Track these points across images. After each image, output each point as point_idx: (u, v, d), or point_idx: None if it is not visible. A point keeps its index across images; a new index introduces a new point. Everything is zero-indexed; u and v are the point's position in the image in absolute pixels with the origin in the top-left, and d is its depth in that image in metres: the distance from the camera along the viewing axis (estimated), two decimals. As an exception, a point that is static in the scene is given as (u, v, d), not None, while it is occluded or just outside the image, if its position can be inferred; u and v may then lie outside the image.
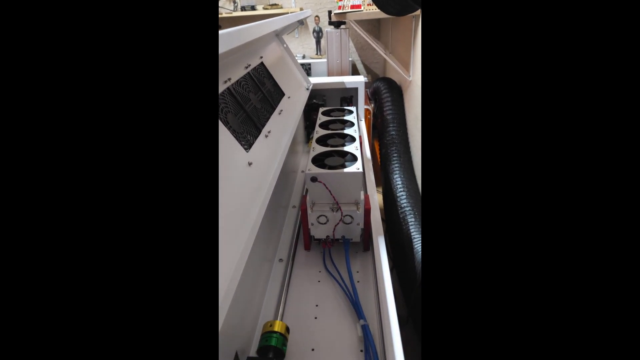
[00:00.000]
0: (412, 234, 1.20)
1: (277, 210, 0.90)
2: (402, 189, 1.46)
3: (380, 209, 1.55)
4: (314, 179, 0.74)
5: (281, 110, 0.97)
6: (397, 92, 1.87)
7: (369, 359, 0.58)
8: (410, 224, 1.25)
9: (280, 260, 0.83)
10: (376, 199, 0.96)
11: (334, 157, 0.82)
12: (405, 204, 1.37)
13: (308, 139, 1.43)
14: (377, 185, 1.97)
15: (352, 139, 0.91)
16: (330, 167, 0.77)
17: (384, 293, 0.65)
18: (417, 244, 1.15)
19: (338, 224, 0.76)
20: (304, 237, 0.84)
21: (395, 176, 1.56)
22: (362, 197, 0.78)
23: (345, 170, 0.74)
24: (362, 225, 0.80)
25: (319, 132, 0.96)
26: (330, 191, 0.73)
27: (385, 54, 1.94)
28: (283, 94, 1.09)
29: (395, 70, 1.84)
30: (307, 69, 2.53)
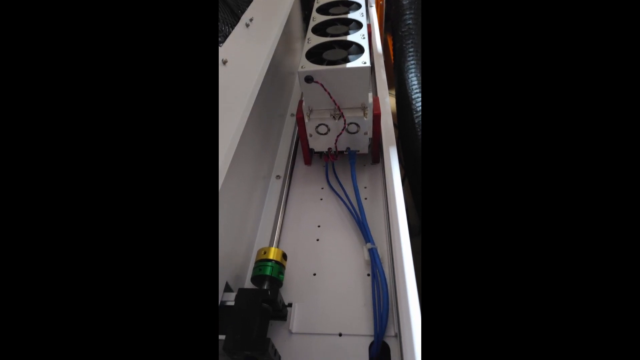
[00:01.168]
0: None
1: (270, 121, 0.77)
2: (418, 90, 1.28)
3: (393, 114, 1.38)
4: (308, 79, 0.59)
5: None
6: (415, -32, 1.52)
7: (376, 285, 0.52)
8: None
9: (278, 177, 0.73)
10: (388, 102, 0.81)
11: (334, 49, 0.64)
12: (421, 107, 1.20)
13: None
14: (390, 87, 1.76)
15: (358, 25, 0.71)
16: (330, 63, 0.60)
17: (394, 213, 0.56)
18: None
19: (341, 134, 0.63)
20: (302, 150, 0.72)
21: (410, 75, 1.36)
22: (370, 99, 0.63)
23: (349, 65, 0.58)
24: (370, 134, 0.67)
25: (316, 18, 0.76)
26: (329, 94, 0.59)
27: None
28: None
29: (414, -63, 1.46)
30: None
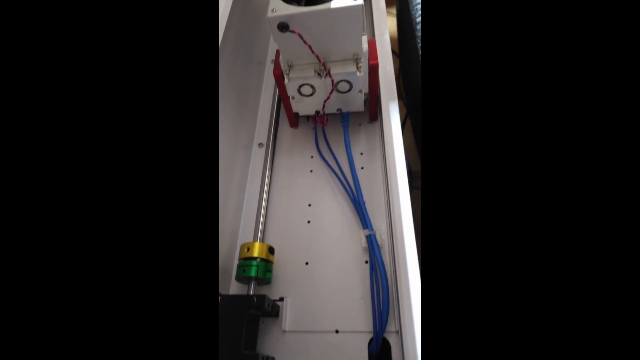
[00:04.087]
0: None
1: (246, 72, 0.64)
2: (421, 12, 1.08)
3: (393, 39, 1.16)
4: (283, 27, 0.45)
5: None
6: None
7: (375, 277, 0.46)
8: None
9: (260, 145, 0.63)
10: (387, 40, 0.66)
11: (315, -21, 0.48)
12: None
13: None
14: (389, 4, 1.51)
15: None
16: (310, 2, 0.46)
17: (395, 191, 0.47)
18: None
19: (329, 97, 0.51)
20: (286, 112, 0.61)
21: (414, -8, 1.14)
22: (365, 46, 0.50)
23: (335, 5, 0.43)
24: (366, 90, 0.55)
25: None
26: (310, 47, 0.45)
27: None
28: None
29: None
30: None
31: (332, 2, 0.44)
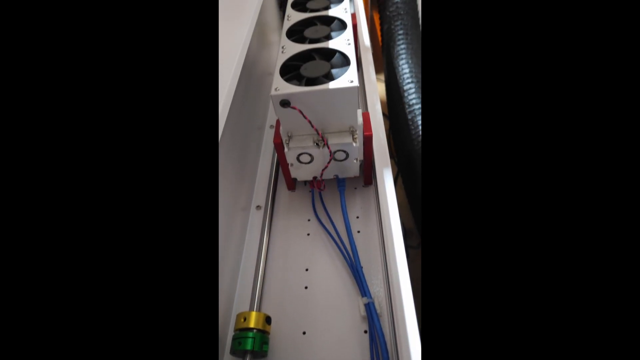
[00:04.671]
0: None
1: (248, 135, 0.67)
2: (410, 80, 1.17)
3: (383, 104, 1.25)
4: (285, 104, 0.49)
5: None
6: (402, -63, 1.37)
7: (374, 347, 0.45)
8: (420, 129, 1.02)
9: (258, 207, 0.64)
10: (379, 109, 0.71)
11: (314, 60, 0.54)
12: (414, 101, 1.10)
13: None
14: (379, 70, 1.63)
15: (342, 25, 0.60)
16: (309, 81, 0.50)
17: (392, 257, 0.48)
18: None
19: (326, 167, 0.54)
20: (284, 177, 0.63)
21: (401, 62, 1.24)
22: (360, 119, 0.54)
23: (333, 85, 0.48)
24: (361, 157, 0.58)
25: (291, 16, 0.64)
26: (310, 122, 0.49)
27: None
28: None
29: None
30: None
31: (330, 83, 0.48)
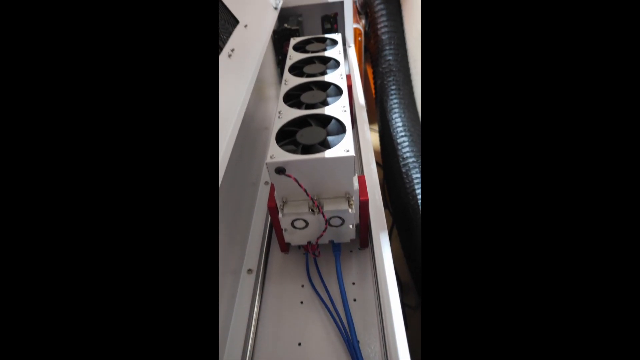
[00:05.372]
0: (418, 198, 0.98)
1: (242, 193, 0.66)
2: (403, 133, 1.20)
3: (376, 152, 1.26)
4: (280, 171, 0.48)
5: (232, 50, 0.66)
6: (393, 1, 1.47)
7: None
8: (415, 182, 1.02)
9: (249, 271, 0.61)
10: (374, 169, 0.71)
11: (310, 126, 0.54)
12: (408, 154, 1.12)
13: (281, 77, 1.11)
14: (372, 121, 1.67)
15: (337, 91, 0.62)
16: (305, 148, 0.50)
17: (391, 331, 0.45)
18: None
19: (322, 235, 0.53)
20: (277, 239, 0.61)
21: (394, 115, 1.28)
22: (356, 184, 0.53)
23: (329, 155, 0.48)
24: (357, 221, 0.56)
25: (288, 81, 0.66)
26: (306, 191, 0.48)
27: (377, -53, 1.47)
28: (236, 22, 0.75)
29: (391, -29, 1.41)
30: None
31: (326, 152, 0.48)
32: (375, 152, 0.93)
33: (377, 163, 0.89)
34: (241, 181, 0.66)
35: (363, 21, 1.67)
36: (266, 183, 0.79)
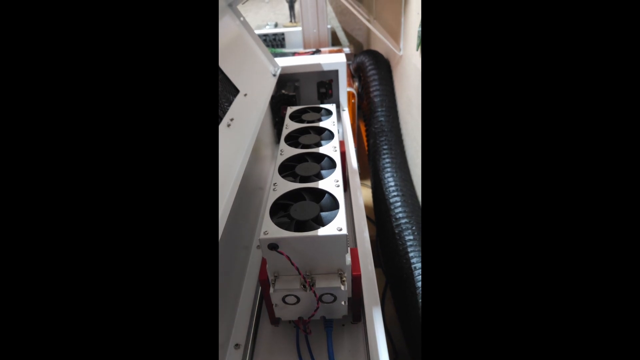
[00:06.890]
0: (412, 260, 0.97)
1: (233, 257, 0.65)
2: (395, 193, 1.22)
3: (367, 207, 1.27)
4: (272, 247, 0.48)
5: (232, 120, 0.69)
6: (384, 68, 1.57)
7: None
8: (408, 245, 1.02)
9: (237, 346, 0.59)
10: (367, 238, 0.72)
11: (304, 201, 0.55)
12: (400, 214, 1.13)
13: (278, 138, 1.15)
14: (365, 177, 1.69)
15: (331, 164, 0.64)
16: (298, 224, 0.51)
17: None
18: (419, 277, 0.93)
19: (314, 314, 0.52)
20: (268, 312, 0.59)
21: (386, 174, 1.31)
22: (349, 260, 0.53)
23: (321, 233, 0.48)
24: (350, 295, 0.56)
25: (284, 151, 0.69)
26: (298, 269, 0.48)
27: (368, 20, 1.61)
28: (237, 92, 0.80)
29: (381, 41, 1.53)
30: (281, 40, 2.16)
31: (319, 230, 0.49)
32: (367, 207, 0.94)
33: (369, 218, 0.89)
34: (234, 245, 0.65)
35: (356, 83, 1.77)
36: (258, 247, 0.78)
